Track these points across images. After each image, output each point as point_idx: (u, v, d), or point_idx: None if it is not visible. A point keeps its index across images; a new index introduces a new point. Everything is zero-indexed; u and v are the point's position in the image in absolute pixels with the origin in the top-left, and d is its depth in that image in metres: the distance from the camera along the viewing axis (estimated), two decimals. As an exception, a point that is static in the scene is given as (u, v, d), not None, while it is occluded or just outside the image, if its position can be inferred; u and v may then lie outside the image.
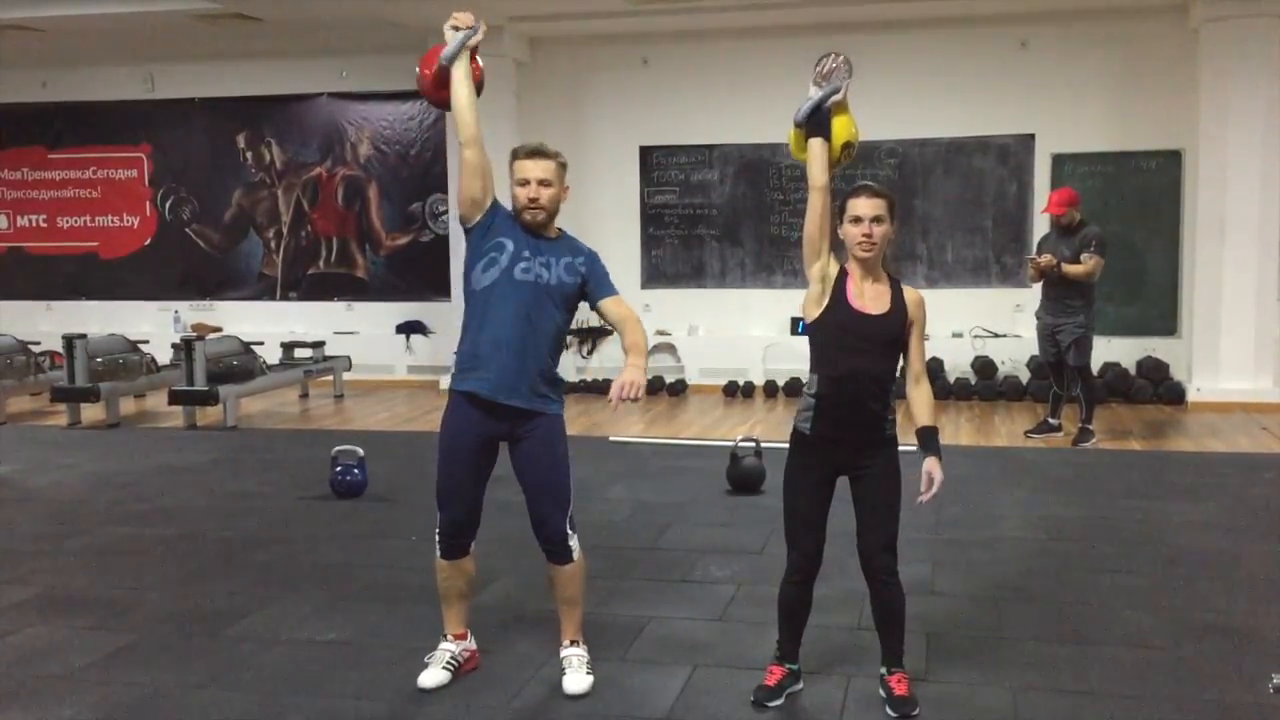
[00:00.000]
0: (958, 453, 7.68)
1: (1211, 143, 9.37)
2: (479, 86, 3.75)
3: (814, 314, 3.51)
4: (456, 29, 3.68)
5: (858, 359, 3.44)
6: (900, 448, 3.57)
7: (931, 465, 3.47)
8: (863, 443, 3.48)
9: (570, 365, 10.84)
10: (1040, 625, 4.33)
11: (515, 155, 3.67)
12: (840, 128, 3.54)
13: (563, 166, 3.69)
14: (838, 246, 3.53)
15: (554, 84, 11.07)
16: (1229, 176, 9.27)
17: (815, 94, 3.52)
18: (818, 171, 3.48)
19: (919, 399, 3.54)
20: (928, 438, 3.50)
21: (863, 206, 3.42)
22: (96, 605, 4.66)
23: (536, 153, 3.65)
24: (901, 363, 3.56)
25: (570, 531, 3.72)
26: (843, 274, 3.49)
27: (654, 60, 10.92)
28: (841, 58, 3.57)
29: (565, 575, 3.77)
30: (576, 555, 3.75)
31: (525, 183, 3.62)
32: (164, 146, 12.19)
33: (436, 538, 3.77)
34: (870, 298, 3.46)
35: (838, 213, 3.50)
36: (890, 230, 3.46)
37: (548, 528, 3.70)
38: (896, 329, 3.47)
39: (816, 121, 3.51)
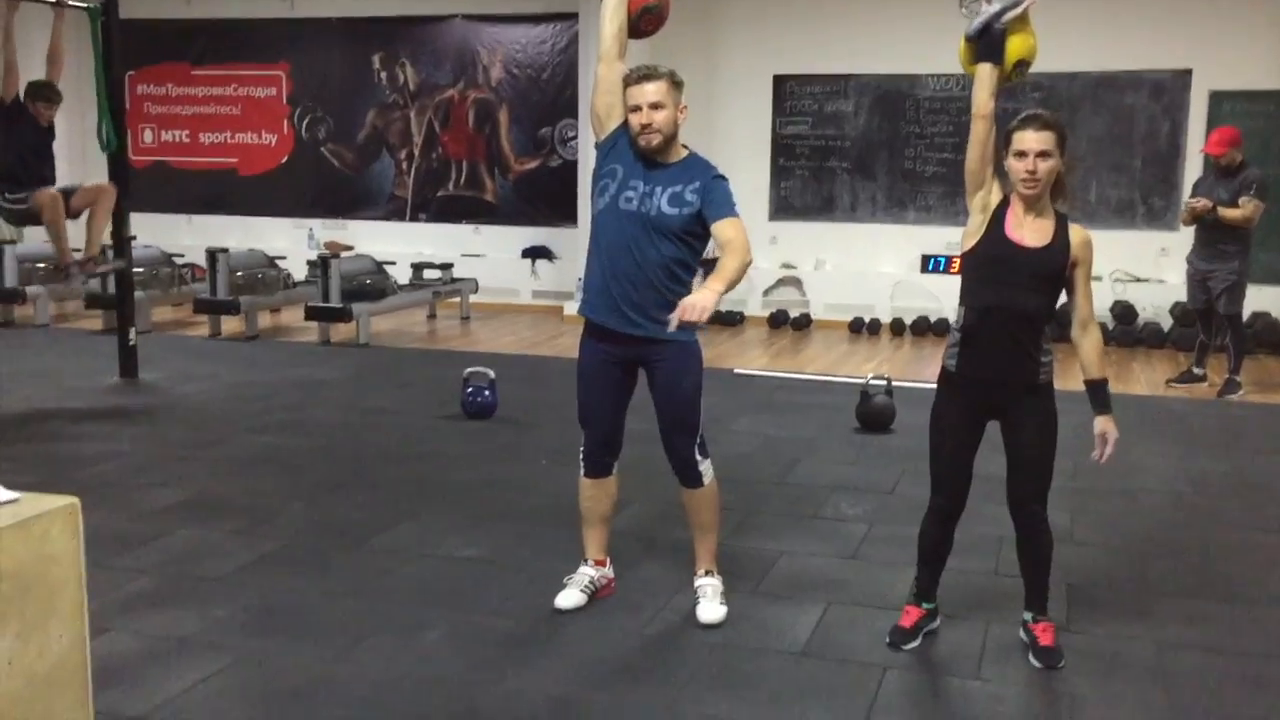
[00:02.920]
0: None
1: (1387, 82, 8.82)
2: (661, 16, 3.69)
3: (969, 245, 3.38)
4: None
5: (1006, 292, 3.28)
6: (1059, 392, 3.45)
7: (1105, 425, 3.35)
8: (1013, 385, 3.34)
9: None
10: (1186, 580, 4.20)
11: (626, 81, 3.55)
12: (1016, 45, 3.32)
13: (676, 85, 3.53)
14: (1003, 174, 3.38)
15: (687, 10, 10.80)
16: (1403, 119, 8.72)
17: (989, 8, 3.26)
18: (984, 98, 3.31)
19: (1087, 346, 3.37)
20: (1098, 393, 3.36)
21: (1028, 140, 3.23)
22: (242, 511, 4.83)
23: (646, 76, 3.49)
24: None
25: (700, 457, 3.70)
26: (1004, 204, 3.34)
27: (791, -15, 10.67)
28: None
29: (696, 500, 3.78)
30: (708, 480, 3.74)
31: (637, 109, 3.49)
32: (302, 65, 12.38)
33: (581, 457, 3.80)
34: (1030, 230, 3.30)
35: (1003, 143, 3.33)
36: (1058, 164, 3.28)
37: (677, 453, 3.70)
38: (1055, 265, 3.29)
39: (987, 42, 3.29)
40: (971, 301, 3.37)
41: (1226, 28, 9.60)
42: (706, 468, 3.73)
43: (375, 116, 12.18)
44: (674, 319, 3.24)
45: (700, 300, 3.22)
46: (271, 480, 5.33)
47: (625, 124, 3.58)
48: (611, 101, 3.60)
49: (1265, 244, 9.07)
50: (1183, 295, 8.28)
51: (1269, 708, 3.24)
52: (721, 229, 3.50)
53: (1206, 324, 7.81)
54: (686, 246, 3.58)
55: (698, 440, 3.70)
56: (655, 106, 3.48)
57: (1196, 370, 7.94)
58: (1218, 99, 9.71)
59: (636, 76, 3.52)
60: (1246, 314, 7.95)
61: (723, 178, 3.60)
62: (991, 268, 3.31)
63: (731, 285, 3.37)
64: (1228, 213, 7.29)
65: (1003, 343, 3.32)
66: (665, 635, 3.66)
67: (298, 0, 12.14)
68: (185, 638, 3.56)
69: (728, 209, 3.52)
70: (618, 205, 3.55)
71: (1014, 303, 3.29)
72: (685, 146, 3.64)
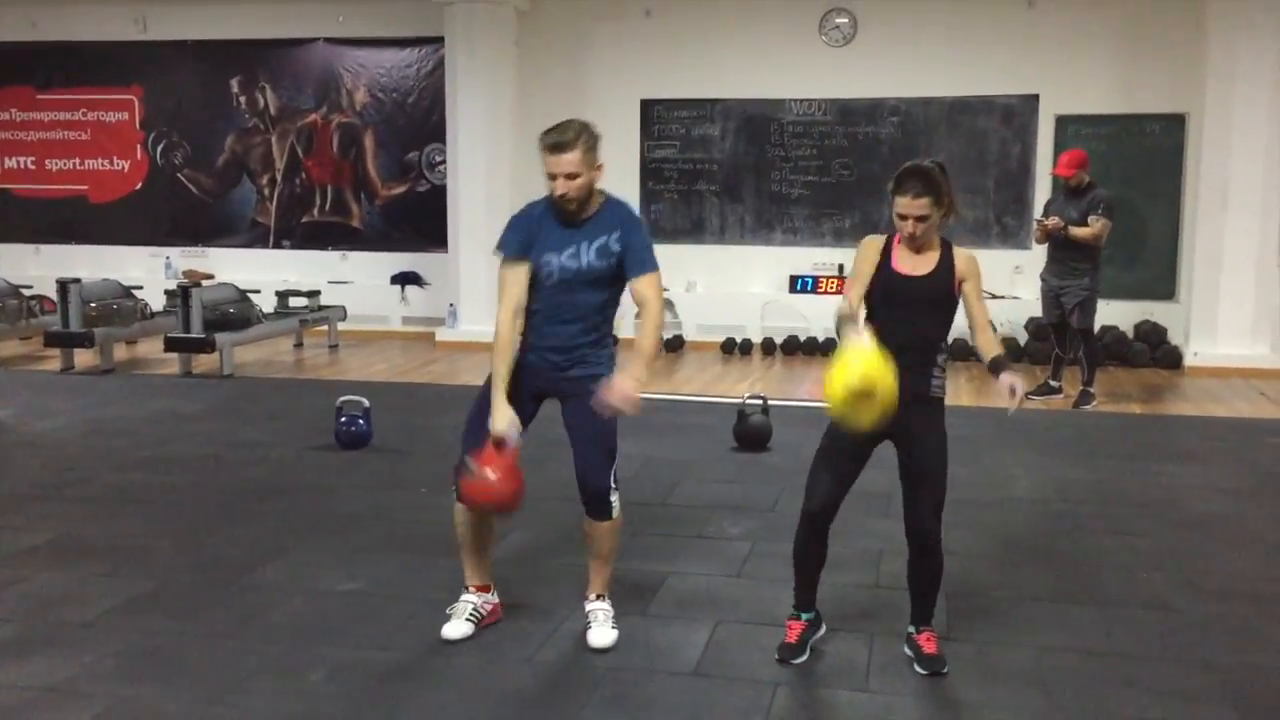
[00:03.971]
0: (959, 413, 7.63)
1: (1216, 107, 9.32)
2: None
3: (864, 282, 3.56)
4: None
5: (901, 314, 3.48)
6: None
7: (1009, 379, 3.47)
8: (910, 396, 3.46)
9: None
10: (1058, 586, 4.35)
11: (541, 144, 3.57)
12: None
13: (590, 149, 3.57)
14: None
15: (555, 34, 10.92)
16: (1233, 141, 9.24)
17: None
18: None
19: (983, 342, 3.59)
20: (998, 362, 3.55)
21: (906, 207, 3.45)
22: (109, 552, 4.62)
23: (558, 145, 3.52)
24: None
25: (613, 486, 3.70)
26: (891, 241, 3.55)
27: (657, 11, 10.78)
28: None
29: (602, 531, 3.76)
30: (616, 512, 3.74)
31: (553, 177, 3.57)
32: (156, 89, 11.99)
33: (454, 480, 3.73)
34: (914, 263, 3.52)
35: (889, 191, 3.51)
36: (936, 218, 3.47)
37: (592, 482, 3.67)
38: (942, 288, 3.50)
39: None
40: (871, 322, 3.50)
41: (1069, 55, 10.07)
42: (616, 499, 3.72)
43: (234, 141, 11.87)
44: (598, 403, 3.42)
45: (629, 392, 3.44)
46: (138, 519, 5.11)
47: (521, 224, 3.68)
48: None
49: (1113, 260, 9.50)
50: (1037, 311, 8.63)
51: (1142, 706, 3.37)
52: (639, 286, 3.64)
53: (1061, 338, 8.14)
54: (610, 290, 3.70)
55: (613, 469, 3.69)
56: (570, 176, 3.55)
57: (1053, 383, 8.27)
58: (1063, 122, 10.16)
59: (550, 145, 3.54)
60: (1097, 328, 8.31)
61: (639, 221, 3.75)
62: (885, 300, 3.51)
63: (652, 362, 3.58)
64: (1078, 231, 7.62)
65: (902, 356, 3.45)
66: (557, 662, 3.64)
67: (150, 22, 11.77)
68: (52, 687, 3.39)
69: (647, 263, 3.66)
70: (546, 285, 3.64)
71: (910, 327, 3.49)
72: (601, 191, 3.70)
